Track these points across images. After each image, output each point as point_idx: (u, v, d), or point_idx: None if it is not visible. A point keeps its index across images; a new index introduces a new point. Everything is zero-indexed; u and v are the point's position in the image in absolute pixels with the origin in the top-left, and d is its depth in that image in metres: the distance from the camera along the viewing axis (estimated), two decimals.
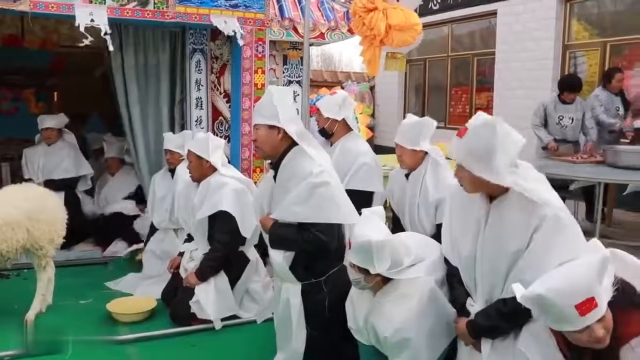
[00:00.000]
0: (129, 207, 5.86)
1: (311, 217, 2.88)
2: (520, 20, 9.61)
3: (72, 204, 5.75)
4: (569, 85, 6.96)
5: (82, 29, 4.32)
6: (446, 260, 2.77)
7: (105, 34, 4.38)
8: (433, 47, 12.23)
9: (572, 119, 6.89)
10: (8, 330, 3.85)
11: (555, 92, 7.35)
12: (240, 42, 4.88)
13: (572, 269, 1.97)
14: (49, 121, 5.71)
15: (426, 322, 2.64)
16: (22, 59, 7.23)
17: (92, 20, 4.40)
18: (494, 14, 10.27)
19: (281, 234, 2.99)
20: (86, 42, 4.30)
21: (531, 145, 7.15)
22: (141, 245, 5.46)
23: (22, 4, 4.32)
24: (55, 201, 4.25)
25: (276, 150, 3.01)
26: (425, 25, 9.01)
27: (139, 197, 5.79)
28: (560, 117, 6.88)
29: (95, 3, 4.53)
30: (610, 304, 1.94)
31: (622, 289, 1.99)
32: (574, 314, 1.90)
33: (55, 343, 3.65)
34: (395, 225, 3.88)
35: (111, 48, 4.41)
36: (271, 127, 2.97)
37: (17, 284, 4.87)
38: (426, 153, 3.64)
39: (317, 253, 2.97)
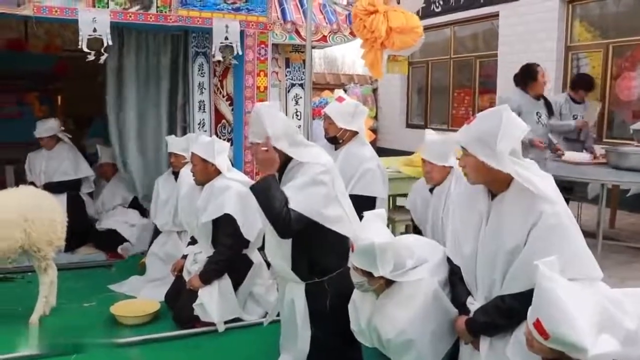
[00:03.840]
0: (121, 225, 5.84)
1: (298, 206, 2.89)
2: (522, 22, 9.62)
3: (77, 207, 5.80)
4: (587, 85, 6.86)
5: (84, 46, 4.37)
6: (449, 260, 2.78)
7: (106, 49, 4.42)
8: (435, 49, 12.24)
9: (583, 118, 6.84)
10: (13, 332, 3.87)
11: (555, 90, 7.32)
12: (238, 51, 4.91)
13: (581, 306, 1.95)
14: (40, 130, 5.82)
15: (430, 323, 2.65)
16: (26, 62, 7.26)
17: (94, 31, 4.43)
18: (496, 15, 10.29)
19: (271, 188, 2.93)
20: (91, 57, 4.39)
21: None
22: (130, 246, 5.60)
23: (25, 8, 4.35)
24: (52, 203, 4.23)
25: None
26: (428, 28, 9.00)
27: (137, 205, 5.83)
28: (575, 116, 6.78)
29: (98, 7, 4.56)
30: None
31: None
32: (534, 322, 1.99)
33: (70, 344, 3.68)
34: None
35: (101, 60, 4.46)
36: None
37: (22, 287, 4.88)
38: (451, 167, 3.68)
39: (276, 229, 2.95)
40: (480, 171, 2.45)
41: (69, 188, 5.87)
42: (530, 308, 2.04)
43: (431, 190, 3.78)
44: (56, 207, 4.22)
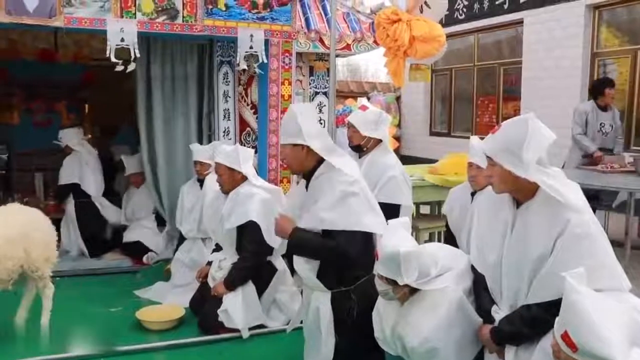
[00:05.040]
0: (146, 237, 5.89)
1: (336, 224, 2.93)
2: (547, 29, 9.54)
3: (88, 212, 5.98)
4: (608, 81, 6.67)
5: (112, 56, 4.49)
6: (473, 268, 2.77)
7: (134, 59, 4.54)
8: (459, 57, 12.20)
9: (612, 126, 6.69)
10: (39, 336, 3.97)
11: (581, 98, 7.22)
12: (263, 60, 4.98)
13: (610, 318, 1.93)
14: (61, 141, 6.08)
15: (454, 331, 2.64)
16: (56, 72, 7.41)
17: (122, 40, 4.53)
18: (520, 22, 10.22)
19: (301, 241, 3.04)
20: (119, 68, 4.55)
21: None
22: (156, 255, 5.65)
23: (57, 19, 4.46)
24: (47, 220, 4.13)
25: (304, 166, 3.11)
26: (451, 35, 8.96)
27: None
28: (602, 125, 6.63)
29: (126, 18, 4.65)
30: None
31: None
32: (562, 334, 1.97)
33: None
34: (448, 242, 3.86)
35: (130, 69, 4.61)
36: (296, 145, 3.06)
37: None
38: None
39: (338, 262, 3.01)
40: (506, 180, 2.44)
41: (73, 194, 6.02)
42: (557, 320, 2.03)
43: (472, 194, 3.75)
44: (49, 225, 4.13)
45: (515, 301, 2.49)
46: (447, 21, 10.80)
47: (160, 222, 5.91)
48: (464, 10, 11.51)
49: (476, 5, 11.19)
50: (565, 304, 1.99)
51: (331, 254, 2.98)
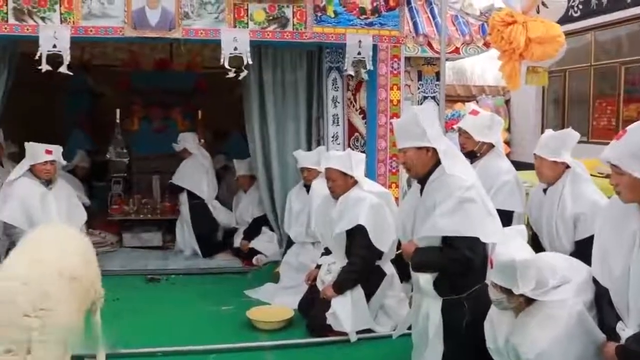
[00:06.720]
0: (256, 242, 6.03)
1: (456, 231, 2.89)
2: None
3: (200, 213, 6.33)
4: None
5: (226, 64, 4.67)
6: (595, 281, 2.63)
7: (246, 66, 4.70)
8: (573, 57, 11.57)
9: None
10: (159, 327, 4.21)
11: None
12: (369, 66, 5.03)
13: None
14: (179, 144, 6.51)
15: (574, 346, 2.52)
16: (171, 80, 7.83)
17: (235, 49, 4.71)
18: None
19: (424, 259, 3.06)
20: (232, 75, 4.74)
21: None
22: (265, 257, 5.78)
23: (176, 31, 4.73)
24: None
25: (427, 169, 3.07)
26: (565, 34, 8.48)
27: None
28: None
29: (239, 27, 4.84)
30: None
31: None
32: None
33: None
34: (534, 244, 3.73)
35: (242, 75, 4.78)
36: (420, 147, 3.02)
37: (166, 288, 5.32)
38: (567, 167, 3.49)
39: (462, 271, 2.95)
40: (636, 189, 2.29)
41: (188, 195, 6.40)
42: None
43: (545, 190, 3.60)
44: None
45: None
46: (561, 19, 10.26)
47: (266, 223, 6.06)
48: (580, 7, 10.94)
49: (594, 1, 10.60)
50: None
51: (455, 264, 2.95)
